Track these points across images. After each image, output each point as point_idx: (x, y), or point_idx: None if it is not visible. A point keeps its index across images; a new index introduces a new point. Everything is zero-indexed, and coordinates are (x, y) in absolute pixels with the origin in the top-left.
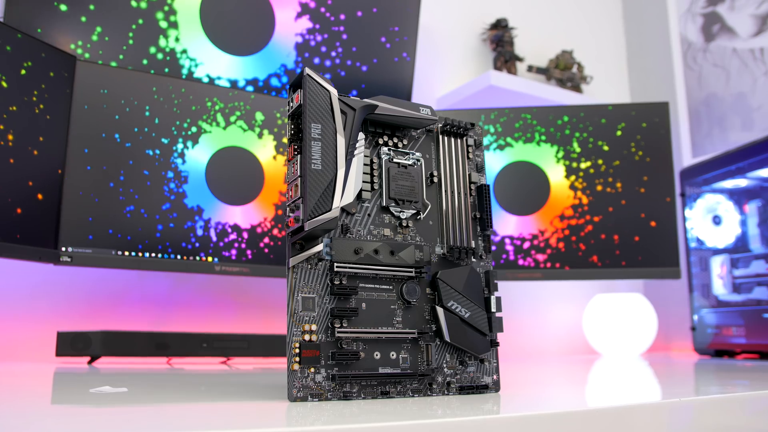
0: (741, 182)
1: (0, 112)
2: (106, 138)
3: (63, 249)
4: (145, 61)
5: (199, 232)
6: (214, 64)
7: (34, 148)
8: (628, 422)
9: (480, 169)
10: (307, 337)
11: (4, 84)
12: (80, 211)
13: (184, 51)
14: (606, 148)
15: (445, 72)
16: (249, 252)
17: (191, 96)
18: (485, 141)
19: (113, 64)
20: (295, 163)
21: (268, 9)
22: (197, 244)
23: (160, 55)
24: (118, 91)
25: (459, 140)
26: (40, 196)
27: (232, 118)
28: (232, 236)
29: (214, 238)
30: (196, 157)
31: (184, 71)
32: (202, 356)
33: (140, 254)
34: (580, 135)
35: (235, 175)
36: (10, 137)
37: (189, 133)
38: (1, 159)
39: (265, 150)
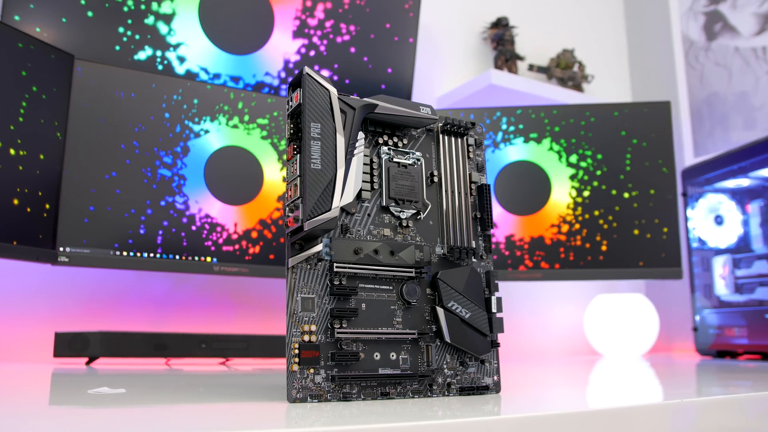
0: (743, 182)
1: None
2: (104, 138)
3: (61, 249)
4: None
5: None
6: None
7: (31, 149)
8: (630, 423)
9: (480, 168)
10: (306, 337)
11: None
12: (78, 211)
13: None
14: (607, 146)
15: (445, 71)
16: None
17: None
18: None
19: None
20: (295, 163)
21: (268, 12)
22: (203, 236)
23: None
24: (118, 92)
25: (459, 140)
26: (38, 196)
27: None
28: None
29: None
30: (199, 151)
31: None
32: (200, 357)
33: (138, 254)
34: (586, 133)
35: (233, 175)
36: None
37: (192, 130)
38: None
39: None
